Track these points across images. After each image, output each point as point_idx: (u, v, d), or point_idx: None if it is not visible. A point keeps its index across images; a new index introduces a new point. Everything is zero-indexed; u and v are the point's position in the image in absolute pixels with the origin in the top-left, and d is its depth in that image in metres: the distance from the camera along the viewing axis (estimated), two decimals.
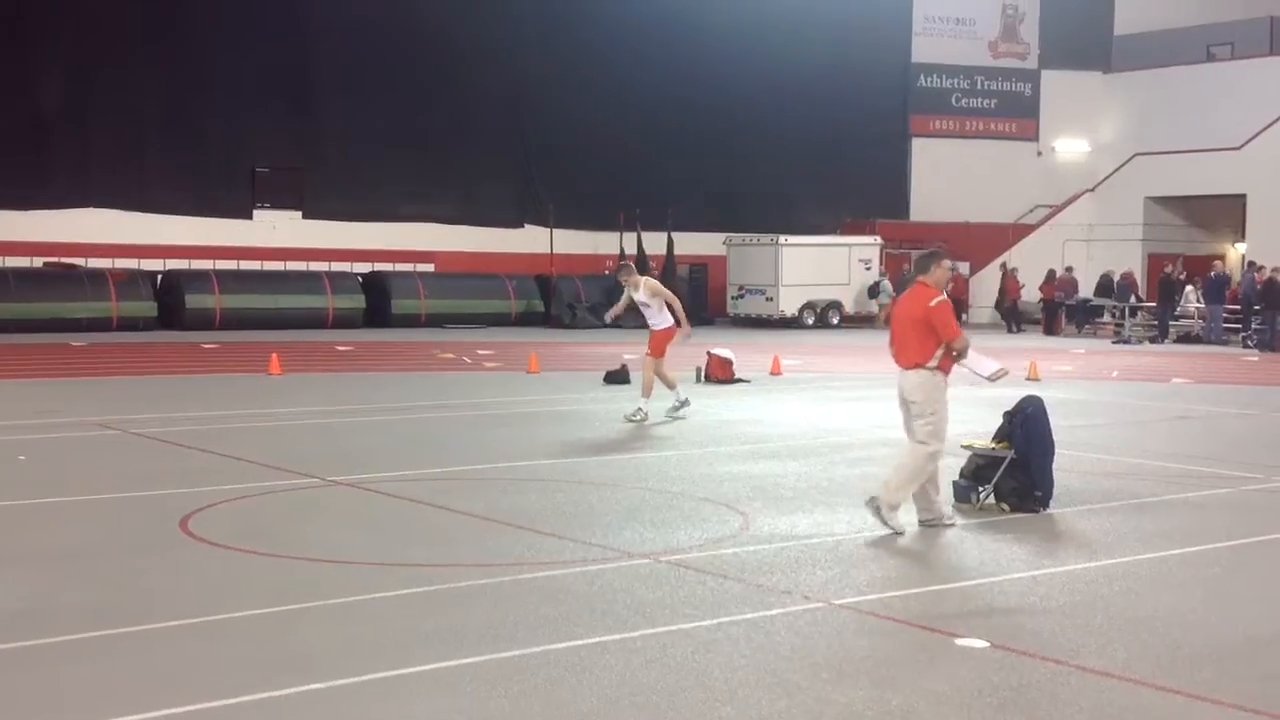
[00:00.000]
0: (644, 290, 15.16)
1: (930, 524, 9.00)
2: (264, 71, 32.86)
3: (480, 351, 24.62)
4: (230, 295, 30.13)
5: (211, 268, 30.88)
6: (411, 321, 31.89)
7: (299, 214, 33.68)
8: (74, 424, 13.89)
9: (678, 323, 15.15)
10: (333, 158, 34.06)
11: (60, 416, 14.46)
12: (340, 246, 33.27)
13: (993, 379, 9.49)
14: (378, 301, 32.15)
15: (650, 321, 15.22)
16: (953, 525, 9.07)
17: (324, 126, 34.03)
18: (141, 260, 30.49)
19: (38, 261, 29.78)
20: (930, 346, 8.84)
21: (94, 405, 15.57)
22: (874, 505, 8.88)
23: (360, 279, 32.60)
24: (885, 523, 8.79)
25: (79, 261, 29.88)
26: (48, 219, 30.34)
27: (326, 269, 32.47)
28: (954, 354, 8.90)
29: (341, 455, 12.01)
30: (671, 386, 15.23)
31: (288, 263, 32.43)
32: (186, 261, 31.05)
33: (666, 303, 15.20)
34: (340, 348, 25.44)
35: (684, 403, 15.24)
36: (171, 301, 29.82)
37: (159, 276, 30.35)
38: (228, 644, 6.22)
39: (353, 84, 34.10)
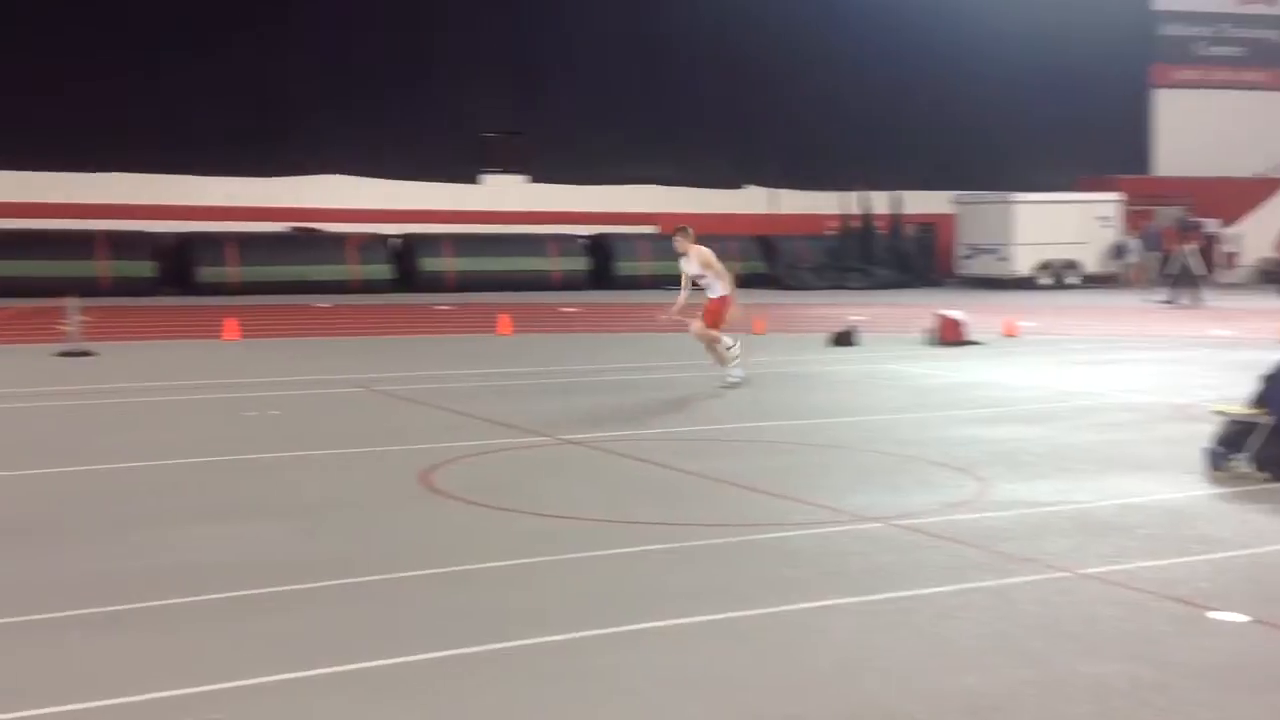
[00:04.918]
0: (695, 261, 14.29)
1: None
2: (491, 39, 33.55)
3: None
4: (461, 258, 31.02)
5: (444, 232, 31.81)
6: (634, 283, 32.17)
7: (525, 178, 34.37)
8: (321, 381, 14.50)
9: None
10: (558, 122, 34.57)
11: (308, 374, 15.13)
12: (565, 210, 33.79)
13: None
14: (601, 263, 32.60)
15: (709, 292, 14.43)
16: None
17: (549, 92, 34.55)
18: (379, 225, 31.65)
19: (283, 226, 31.27)
20: None
21: (338, 363, 16.24)
22: None
23: (584, 241, 33.06)
24: None
25: (323, 226, 31.22)
26: (294, 186, 31.79)
27: (552, 232, 33.06)
28: None
29: (571, 414, 12.20)
30: (715, 352, 14.30)
31: (515, 226, 33.15)
32: (421, 225, 32.07)
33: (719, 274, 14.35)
34: (565, 309, 25.88)
35: (736, 357, 14.22)
36: (407, 264, 30.90)
37: (395, 240, 31.47)
38: (467, 595, 6.38)
39: (577, 48, 34.48)
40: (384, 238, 31.29)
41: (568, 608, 6.15)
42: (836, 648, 5.59)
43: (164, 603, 6.14)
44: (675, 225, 14.89)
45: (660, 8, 34.78)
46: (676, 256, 14.49)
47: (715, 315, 14.23)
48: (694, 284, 14.47)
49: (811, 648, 5.60)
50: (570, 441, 10.68)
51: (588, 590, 6.46)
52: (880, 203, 34.61)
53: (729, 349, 14.17)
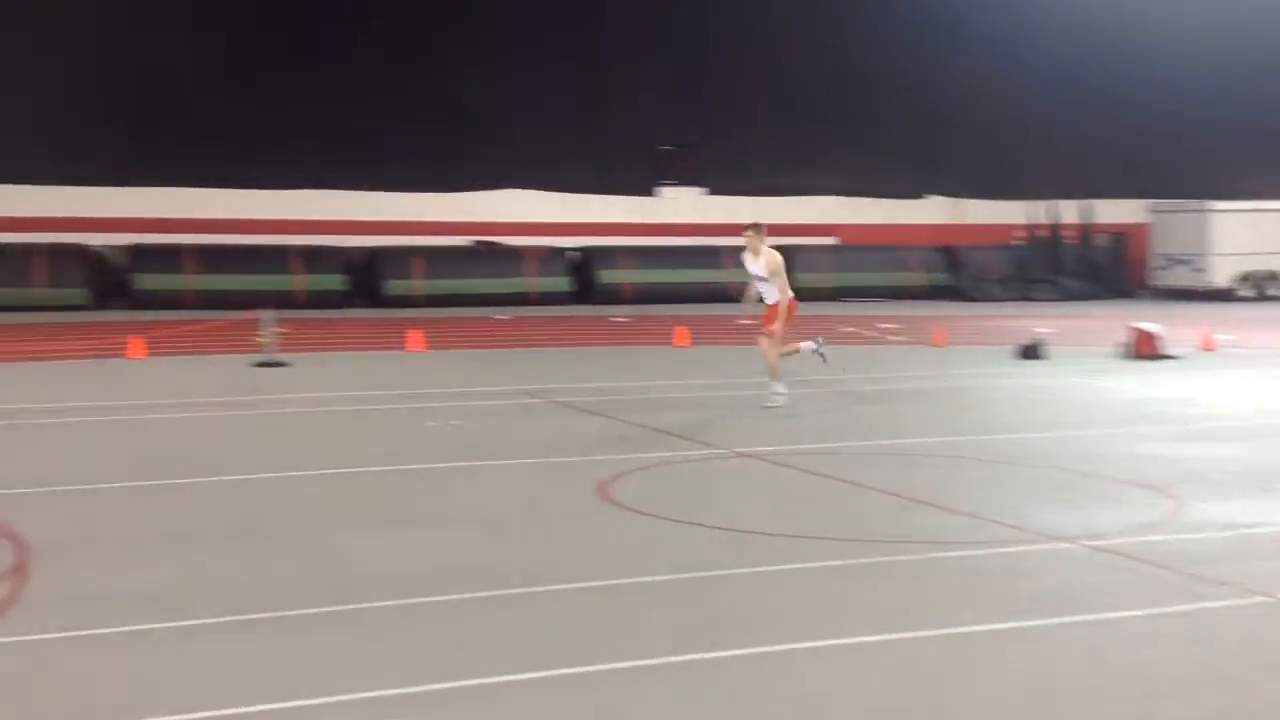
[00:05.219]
0: (764, 263, 13.82)
1: None
2: (667, 50, 33.70)
3: (883, 325, 24.32)
4: (638, 270, 31.26)
5: (621, 244, 32.13)
6: (813, 295, 31.89)
7: (701, 190, 34.43)
8: (500, 392, 14.75)
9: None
10: (734, 133, 34.48)
11: (488, 385, 15.41)
12: (742, 221, 33.70)
13: None
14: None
15: (766, 297, 13.98)
16: None
17: (726, 102, 34.50)
18: (557, 238, 32.14)
19: (466, 240, 32.00)
20: None
21: (518, 374, 16.50)
22: None
23: None
24: None
25: (503, 240, 31.85)
26: (477, 200, 32.48)
27: (729, 244, 33.07)
28: None
29: (749, 426, 12.15)
30: (775, 374, 13.62)
31: (691, 238, 33.26)
32: (598, 238, 32.45)
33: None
34: (742, 321, 25.79)
35: (778, 394, 13.49)
36: (585, 277, 31.30)
37: (574, 253, 31.91)
38: (640, 608, 6.37)
39: (753, 57, 34.38)
40: (562, 250, 31.76)
41: (743, 623, 6.09)
42: (1023, 671, 5.41)
43: (353, 607, 6.30)
44: (750, 221, 14.55)
45: (837, 14, 34.46)
46: (749, 254, 14.15)
47: (772, 321, 13.83)
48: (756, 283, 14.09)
49: (997, 671, 5.43)
50: (747, 454, 10.61)
51: (763, 606, 6.39)
52: (1069, 211, 33.61)
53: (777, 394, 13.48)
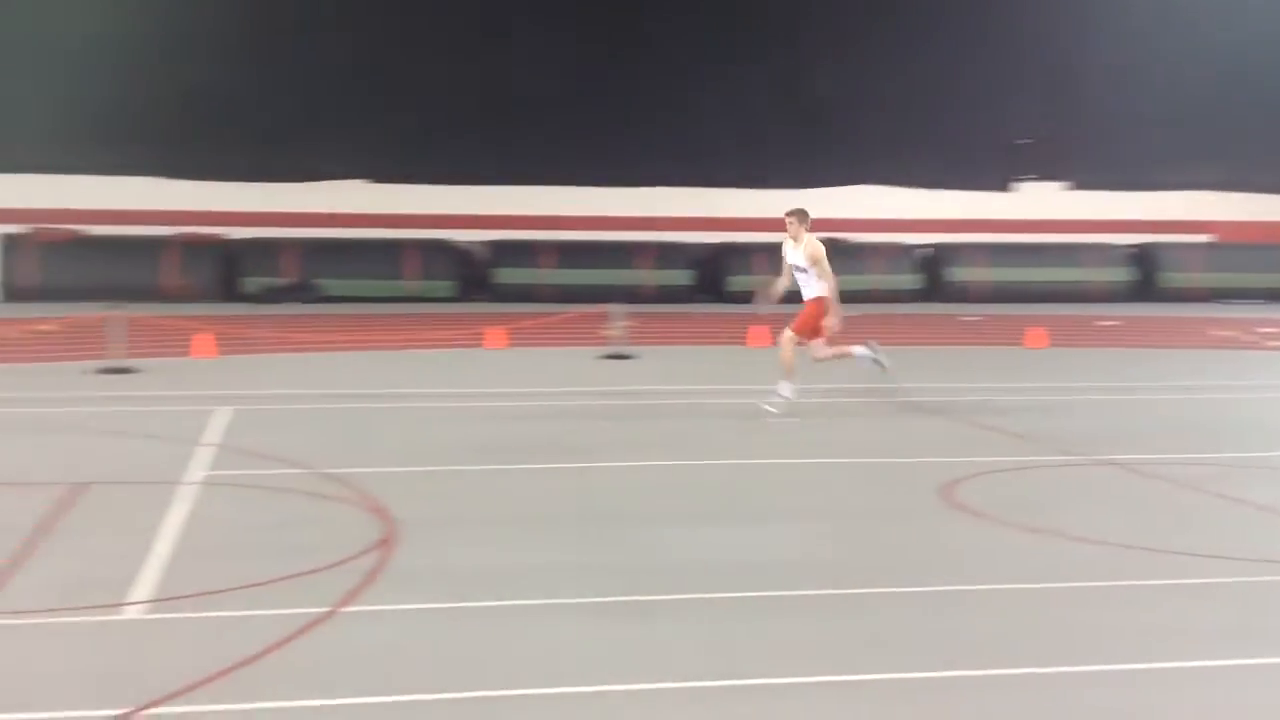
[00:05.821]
0: (804, 253, 12.33)
1: None
2: (1026, 39, 32.47)
3: (1263, 329, 22.55)
4: (989, 268, 30.28)
5: (972, 241, 31.23)
6: (1185, 296, 30.03)
7: (1062, 185, 33.01)
8: (843, 390, 14.52)
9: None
10: (1101, 125, 32.89)
11: (829, 382, 15.23)
12: (1105, 218, 32.11)
13: None
14: (1147, 274, 30.74)
15: (804, 292, 12.45)
16: None
17: (1090, 93, 32.93)
18: (906, 234, 31.56)
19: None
20: None
21: (861, 372, 16.19)
22: None
23: (1128, 251, 31.30)
24: None
25: (850, 236, 31.55)
26: (825, 196, 32.35)
27: (1089, 241, 31.56)
28: None
29: (1106, 432, 11.50)
30: (788, 374, 12.33)
31: (1048, 235, 31.93)
32: (950, 235, 31.64)
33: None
34: (1103, 322, 24.53)
35: (785, 400, 12.24)
36: (934, 274, 30.59)
37: (925, 250, 31.25)
38: (970, 615, 6.10)
39: (1119, 47, 32.63)
40: (910, 247, 31.16)
41: (1074, 639, 5.73)
42: None
43: (684, 597, 6.34)
44: (792, 206, 13.06)
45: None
46: (788, 242, 12.66)
47: (808, 320, 12.47)
48: (794, 275, 12.68)
49: None
50: (1105, 462, 10.02)
51: (1101, 621, 5.99)
52: None
53: (780, 397, 12.31)
